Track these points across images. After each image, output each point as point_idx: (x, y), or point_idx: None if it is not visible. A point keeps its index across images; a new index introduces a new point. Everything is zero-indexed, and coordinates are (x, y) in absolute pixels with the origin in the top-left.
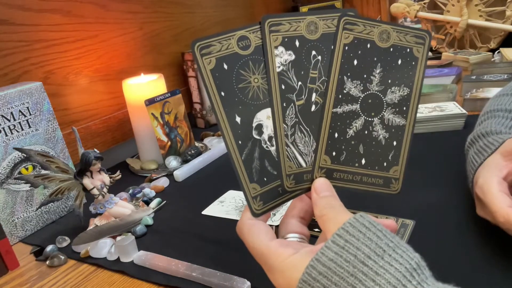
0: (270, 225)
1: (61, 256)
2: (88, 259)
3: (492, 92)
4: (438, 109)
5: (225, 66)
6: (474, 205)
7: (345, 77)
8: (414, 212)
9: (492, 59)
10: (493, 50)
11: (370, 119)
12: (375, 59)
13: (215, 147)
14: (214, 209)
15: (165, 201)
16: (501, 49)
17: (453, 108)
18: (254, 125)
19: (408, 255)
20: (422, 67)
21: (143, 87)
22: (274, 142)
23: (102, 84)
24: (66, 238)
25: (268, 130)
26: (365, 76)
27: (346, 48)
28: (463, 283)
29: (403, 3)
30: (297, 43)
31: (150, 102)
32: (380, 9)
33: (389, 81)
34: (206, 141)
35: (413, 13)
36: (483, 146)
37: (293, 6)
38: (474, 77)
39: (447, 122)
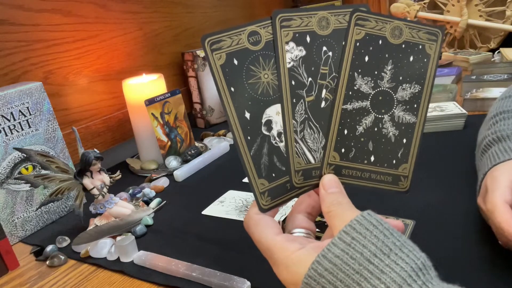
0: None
1: (61, 256)
2: (88, 259)
3: (492, 92)
4: (438, 109)
5: (235, 62)
6: (474, 205)
7: (355, 74)
8: (414, 212)
9: (492, 59)
10: (493, 50)
11: (380, 116)
12: (387, 55)
13: (215, 147)
14: (214, 209)
15: (165, 201)
16: (501, 49)
17: (453, 108)
18: (263, 121)
19: (414, 254)
20: (434, 64)
21: (143, 87)
22: (283, 138)
23: (102, 84)
24: (66, 238)
25: (277, 126)
26: (376, 72)
27: (358, 44)
28: (463, 283)
29: (403, 3)
30: (308, 39)
31: (150, 102)
32: (380, 9)
33: (400, 78)
34: (206, 141)
35: (413, 13)
36: (511, 146)
37: (293, 6)
38: (474, 77)
39: (447, 122)
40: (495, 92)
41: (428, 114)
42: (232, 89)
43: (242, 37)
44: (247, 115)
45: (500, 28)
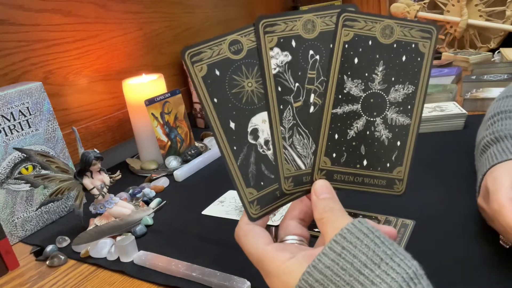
0: (270, 226)
1: (61, 256)
2: (88, 259)
3: (492, 92)
4: (438, 109)
5: (217, 72)
6: (474, 205)
7: (345, 77)
8: (414, 212)
9: (492, 59)
10: (493, 50)
11: (372, 119)
12: (377, 56)
13: (215, 147)
14: (214, 209)
15: (165, 201)
16: (501, 49)
17: (453, 108)
18: (249, 130)
19: (405, 263)
20: (429, 63)
21: (143, 87)
22: (270, 146)
23: (102, 84)
24: (66, 238)
25: (264, 134)
26: (366, 74)
27: (346, 46)
28: (463, 283)
29: (403, 3)
30: (293, 43)
31: (150, 102)
32: (380, 9)
33: (393, 79)
34: (206, 141)
35: (413, 13)
36: (509, 147)
37: (292, 6)
38: (474, 77)
39: (447, 122)
40: (495, 92)
41: (428, 114)
42: (215, 100)
43: (223, 47)
44: (232, 125)
45: (500, 28)
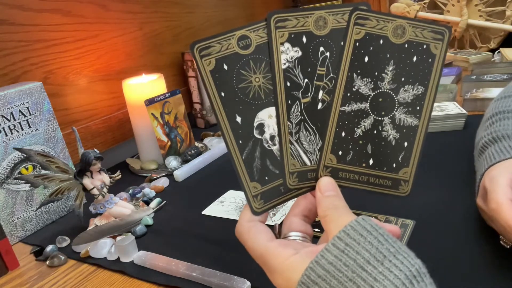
0: (270, 225)
1: (61, 256)
2: (88, 259)
3: (492, 92)
4: (438, 109)
5: (225, 67)
6: (474, 205)
7: (354, 75)
8: (414, 212)
9: (492, 59)
10: (493, 50)
11: (380, 118)
12: (388, 55)
13: (215, 147)
14: (214, 209)
15: (165, 201)
16: (501, 49)
17: (453, 108)
18: (255, 124)
19: (409, 261)
20: (440, 65)
21: (143, 87)
22: (276, 141)
23: (102, 84)
24: (66, 238)
25: (269, 130)
26: (376, 73)
27: (357, 44)
28: (463, 282)
29: (403, 3)
30: (304, 39)
31: (150, 102)
32: (380, 9)
33: (403, 79)
34: (206, 141)
35: (413, 13)
36: (507, 147)
37: (293, 6)
38: (474, 77)
39: (447, 122)
40: (495, 92)
41: None
42: (223, 94)
43: (231, 42)
44: (238, 119)
45: (500, 28)
